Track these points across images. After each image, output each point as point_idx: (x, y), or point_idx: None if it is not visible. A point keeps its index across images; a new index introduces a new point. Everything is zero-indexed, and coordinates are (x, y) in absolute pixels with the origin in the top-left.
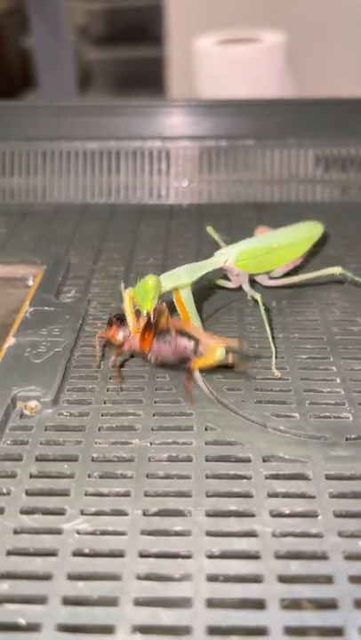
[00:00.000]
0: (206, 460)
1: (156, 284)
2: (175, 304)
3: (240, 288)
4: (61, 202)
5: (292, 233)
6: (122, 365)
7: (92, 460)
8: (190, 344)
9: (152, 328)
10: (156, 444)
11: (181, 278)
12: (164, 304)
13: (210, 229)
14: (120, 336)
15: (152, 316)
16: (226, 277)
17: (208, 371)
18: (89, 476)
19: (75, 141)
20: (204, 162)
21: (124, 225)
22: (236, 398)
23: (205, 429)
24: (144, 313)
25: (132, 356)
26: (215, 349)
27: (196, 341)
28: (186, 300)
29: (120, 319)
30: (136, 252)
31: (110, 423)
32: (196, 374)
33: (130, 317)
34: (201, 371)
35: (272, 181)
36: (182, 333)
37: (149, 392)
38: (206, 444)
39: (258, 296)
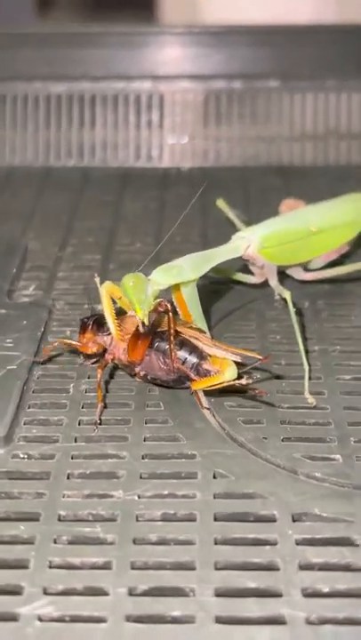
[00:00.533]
0: (215, 520)
1: (144, 282)
2: (175, 303)
3: (264, 284)
4: (15, 165)
5: (336, 210)
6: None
7: (59, 520)
8: (191, 357)
9: (147, 335)
10: (146, 497)
11: (184, 273)
12: (167, 303)
13: (221, 203)
14: (95, 346)
15: (148, 321)
16: (246, 270)
17: (217, 395)
18: (55, 542)
19: (34, 82)
20: (210, 111)
21: (102, 196)
22: (255, 434)
23: (214, 477)
24: (135, 315)
25: (110, 376)
26: (225, 366)
27: (200, 354)
28: (189, 299)
29: (97, 323)
30: (118, 233)
31: (84, 468)
32: (201, 399)
33: (111, 320)
34: (207, 395)
35: (304, 137)
36: (183, 343)
37: (137, 425)
38: (215, 497)
39: (288, 295)
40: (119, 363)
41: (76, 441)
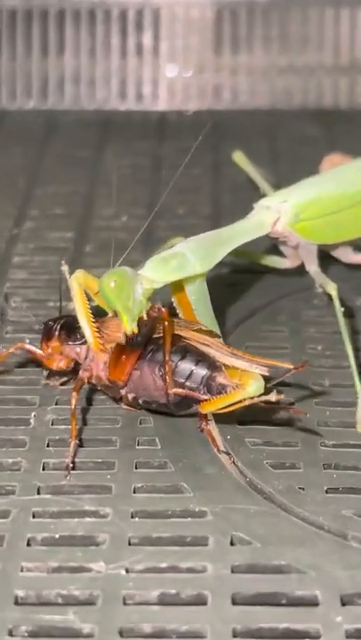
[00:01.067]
0: (234, 603)
1: (131, 280)
2: (176, 305)
3: (300, 270)
4: None
5: None
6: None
7: (16, 603)
8: (199, 369)
9: (137, 344)
10: (137, 570)
11: (188, 265)
12: (161, 307)
13: (239, 158)
14: (63, 359)
15: (137, 330)
16: (276, 251)
17: (233, 421)
18: (10, 634)
19: None
20: (224, 32)
21: (73, 151)
22: (288, 483)
23: (232, 543)
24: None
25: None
26: (247, 379)
27: (211, 364)
28: (197, 301)
29: (67, 327)
30: (96, 203)
31: (51, 531)
32: (211, 428)
33: (85, 323)
34: (217, 420)
35: (353, 69)
36: (187, 350)
37: (124, 471)
38: (234, 571)
39: (333, 288)
40: (98, 383)
41: (39, 492)
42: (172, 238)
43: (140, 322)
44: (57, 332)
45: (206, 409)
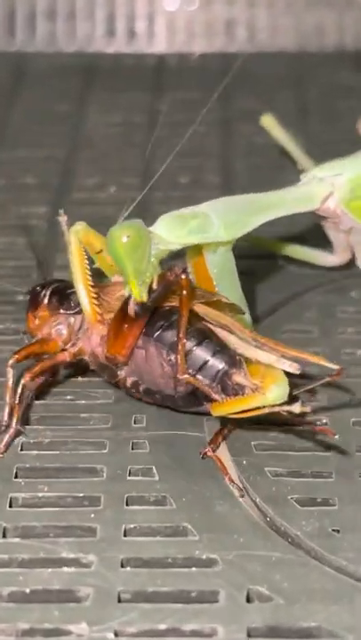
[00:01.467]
0: None
1: (145, 238)
2: (194, 281)
3: (349, 263)
4: None
5: None
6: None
7: None
8: (215, 361)
9: (142, 315)
10: (128, 634)
11: (212, 228)
12: (180, 272)
13: (269, 123)
14: (53, 331)
15: (146, 299)
16: (319, 235)
17: (249, 445)
18: None
19: None
20: None
21: (48, 105)
22: (319, 523)
23: (248, 599)
24: (127, 288)
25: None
26: (269, 380)
27: (230, 357)
28: (220, 275)
29: (59, 293)
30: (77, 170)
31: (19, 584)
32: (220, 455)
33: (82, 288)
34: (231, 429)
35: None
36: (202, 335)
37: (112, 508)
38: (251, 634)
39: None
40: (92, 361)
41: (4, 535)
42: None
43: (149, 289)
44: (46, 299)
45: (218, 411)
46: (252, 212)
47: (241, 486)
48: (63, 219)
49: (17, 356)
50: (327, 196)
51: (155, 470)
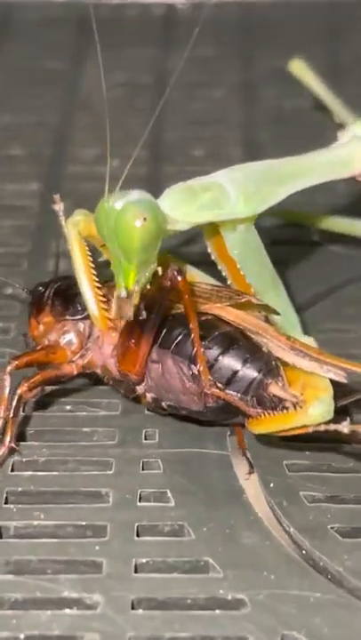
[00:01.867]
0: None
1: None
2: (216, 260)
3: None
4: None
5: None
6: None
7: None
8: (247, 370)
9: (154, 324)
10: None
11: (228, 202)
12: (175, 271)
13: (298, 68)
14: (64, 337)
15: (140, 300)
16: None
17: (281, 450)
18: None
19: None
20: None
21: (38, 63)
22: None
23: None
24: (122, 291)
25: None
26: (312, 394)
27: (266, 364)
28: (242, 254)
29: (63, 294)
30: (72, 139)
31: (13, 630)
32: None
33: (88, 288)
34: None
35: None
36: (231, 340)
37: (120, 539)
38: None
39: None
40: (105, 375)
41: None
42: None
43: (148, 298)
44: (50, 302)
45: (256, 428)
46: (277, 180)
47: (251, 462)
48: (60, 206)
49: (17, 363)
50: None
51: (169, 494)
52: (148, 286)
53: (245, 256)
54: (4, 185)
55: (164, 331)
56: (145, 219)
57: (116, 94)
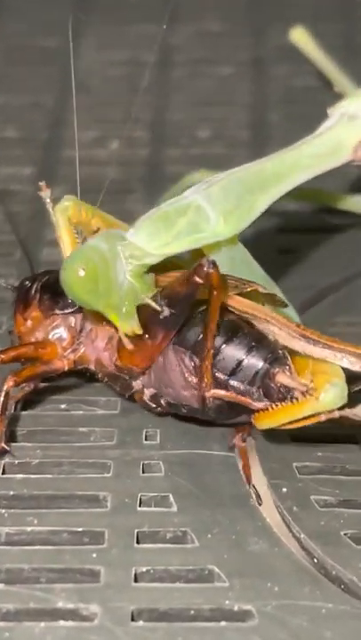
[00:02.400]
0: None
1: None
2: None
3: None
4: None
5: None
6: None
7: None
8: (253, 360)
9: (167, 318)
10: None
11: (208, 226)
12: (210, 265)
13: (300, 36)
14: (54, 333)
15: (138, 330)
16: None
17: (291, 451)
18: None
19: None
20: None
21: (33, 39)
22: None
23: None
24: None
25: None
26: (322, 380)
27: (273, 352)
28: (231, 271)
29: (51, 287)
30: (69, 120)
31: None
32: (254, 464)
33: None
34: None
35: None
36: (234, 328)
37: (119, 546)
38: None
39: None
40: (99, 370)
41: None
42: (188, 175)
43: (172, 293)
44: (37, 295)
45: (263, 423)
46: (259, 187)
47: (258, 493)
48: (46, 193)
49: (2, 357)
50: None
51: (172, 499)
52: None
53: (234, 271)
54: None
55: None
56: (84, 268)
57: (116, 73)
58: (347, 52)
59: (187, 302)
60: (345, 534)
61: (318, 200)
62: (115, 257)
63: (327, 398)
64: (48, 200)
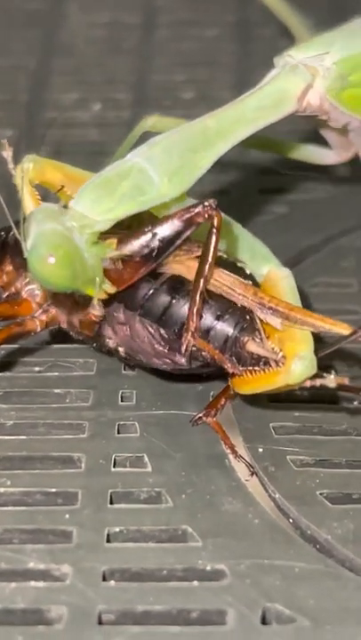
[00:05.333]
0: None
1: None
2: None
3: (355, 161)
4: None
5: None
6: None
7: None
8: (227, 328)
9: (150, 257)
10: None
11: (152, 187)
12: (213, 205)
13: None
14: (27, 289)
15: (110, 290)
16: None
17: (267, 411)
18: None
19: None
20: None
21: (14, 1)
22: (354, 523)
23: (263, 621)
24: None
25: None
26: (291, 354)
27: (243, 323)
28: None
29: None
30: (51, 82)
31: None
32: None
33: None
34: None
35: None
36: (205, 294)
37: (92, 507)
38: None
39: None
40: (71, 329)
41: None
42: (142, 120)
43: (167, 224)
44: (9, 250)
45: (240, 389)
46: (203, 145)
47: (250, 463)
48: (7, 153)
49: None
50: (305, 88)
51: (146, 459)
52: (174, 209)
53: None
54: None
55: (129, 291)
56: (54, 254)
57: (99, 35)
58: (336, 13)
59: (176, 238)
60: (321, 494)
61: (268, 148)
62: (71, 232)
63: (296, 371)
64: (9, 160)
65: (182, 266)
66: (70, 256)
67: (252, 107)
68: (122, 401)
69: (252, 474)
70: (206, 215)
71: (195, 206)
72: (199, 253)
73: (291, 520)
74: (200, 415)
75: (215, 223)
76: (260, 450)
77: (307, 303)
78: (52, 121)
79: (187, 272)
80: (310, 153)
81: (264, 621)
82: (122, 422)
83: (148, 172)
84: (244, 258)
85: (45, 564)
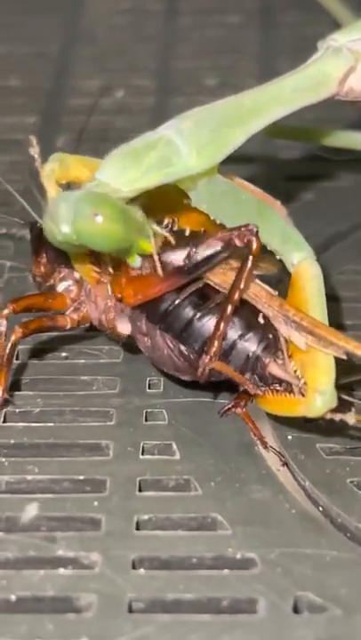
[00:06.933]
0: None
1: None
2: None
3: None
4: None
5: None
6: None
7: None
8: (250, 345)
9: (182, 273)
10: None
11: (180, 160)
12: (254, 229)
13: None
14: (62, 284)
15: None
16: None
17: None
18: None
19: None
20: None
21: None
22: None
23: (295, 610)
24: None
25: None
26: (312, 386)
27: (267, 342)
28: (212, 205)
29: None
30: (73, 69)
31: (4, 591)
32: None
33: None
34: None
35: None
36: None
37: (120, 495)
38: None
39: None
40: (101, 329)
41: None
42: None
43: (204, 244)
44: (46, 246)
45: (262, 405)
46: (235, 121)
47: (281, 452)
48: (35, 150)
49: (14, 306)
50: (348, 71)
51: (175, 447)
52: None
53: (216, 206)
54: (0, 118)
55: (152, 305)
56: (96, 213)
57: (122, 22)
58: None
59: (212, 258)
60: (351, 482)
61: (295, 137)
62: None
63: (317, 406)
64: (37, 157)
65: (215, 274)
66: (115, 210)
67: (290, 87)
68: (149, 388)
69: (283, 464)
70: (245, 240)
71: (236, 229)
72: (235, 264)
73: (321, 508)
74: (230, 406)
75: (253, 249)
76: (290, 437)
77: (334, 292)
78: (75, 108)
79: (217, 281)
80: (356, 139)
81: (296, 610)
82: (149, 409)
83: (176, 143)
84: (273, 242)
85: (74, 551)
